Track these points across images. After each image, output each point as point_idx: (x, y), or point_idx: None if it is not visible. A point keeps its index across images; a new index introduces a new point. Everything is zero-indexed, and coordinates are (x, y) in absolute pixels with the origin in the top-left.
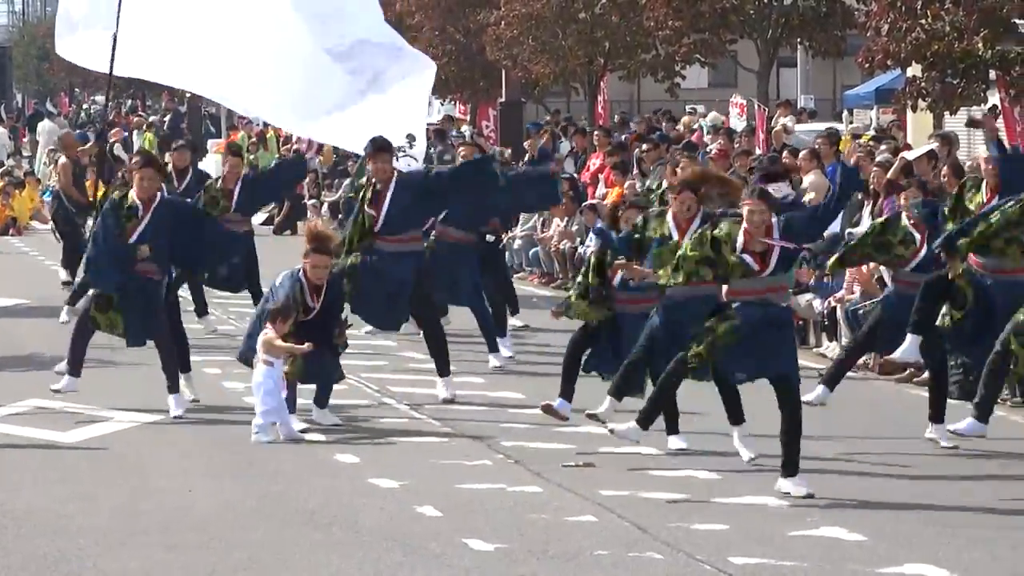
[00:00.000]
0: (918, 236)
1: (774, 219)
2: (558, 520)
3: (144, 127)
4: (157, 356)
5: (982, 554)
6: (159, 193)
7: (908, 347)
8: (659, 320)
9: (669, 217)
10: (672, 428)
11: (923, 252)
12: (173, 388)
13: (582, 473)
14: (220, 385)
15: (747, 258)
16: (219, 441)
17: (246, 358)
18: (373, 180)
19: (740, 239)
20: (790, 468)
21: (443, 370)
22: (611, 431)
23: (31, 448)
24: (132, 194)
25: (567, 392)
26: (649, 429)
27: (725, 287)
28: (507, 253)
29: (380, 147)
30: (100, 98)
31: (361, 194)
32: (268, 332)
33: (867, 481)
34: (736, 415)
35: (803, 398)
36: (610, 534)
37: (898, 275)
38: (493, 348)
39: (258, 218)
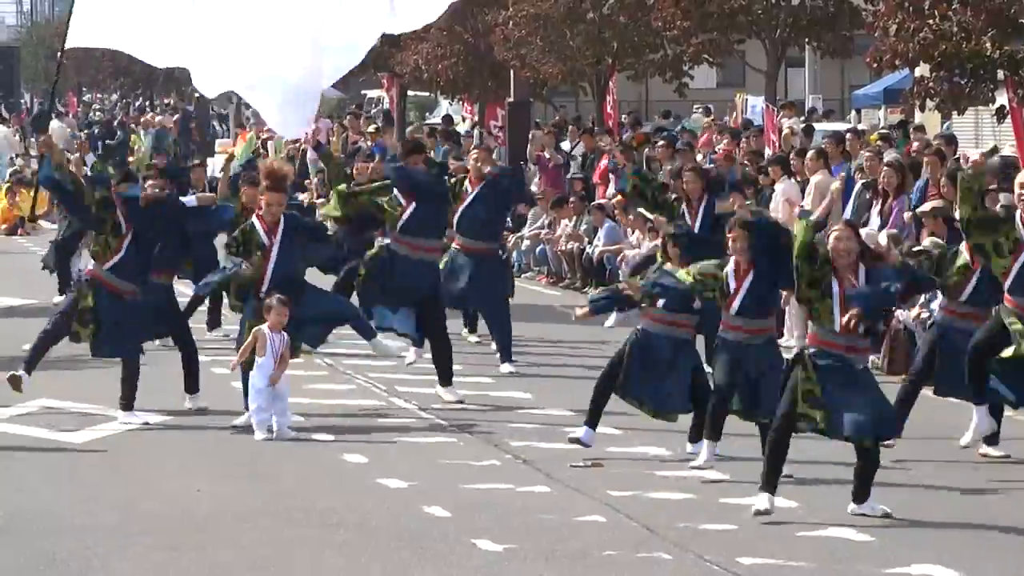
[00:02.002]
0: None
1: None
2: (566, 520)
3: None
4: (162, 358)
5: (989, 554)
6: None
7: (979, 421)
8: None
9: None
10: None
11: (974, 280)
12: (126, 406)
13: (590, 473)
14: (227, 386)
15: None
16: (226, 441)
17: None
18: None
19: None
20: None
21: (445, 381)
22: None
23: (37, 449)
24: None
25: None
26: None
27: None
28: (515, 253)
29: (412, 149)
30: (114, 97)
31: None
32: (263, 327)
33: (874, 482)
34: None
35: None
36: (618, 534)
37: (948, 304)
38: (507, 358)
39: None
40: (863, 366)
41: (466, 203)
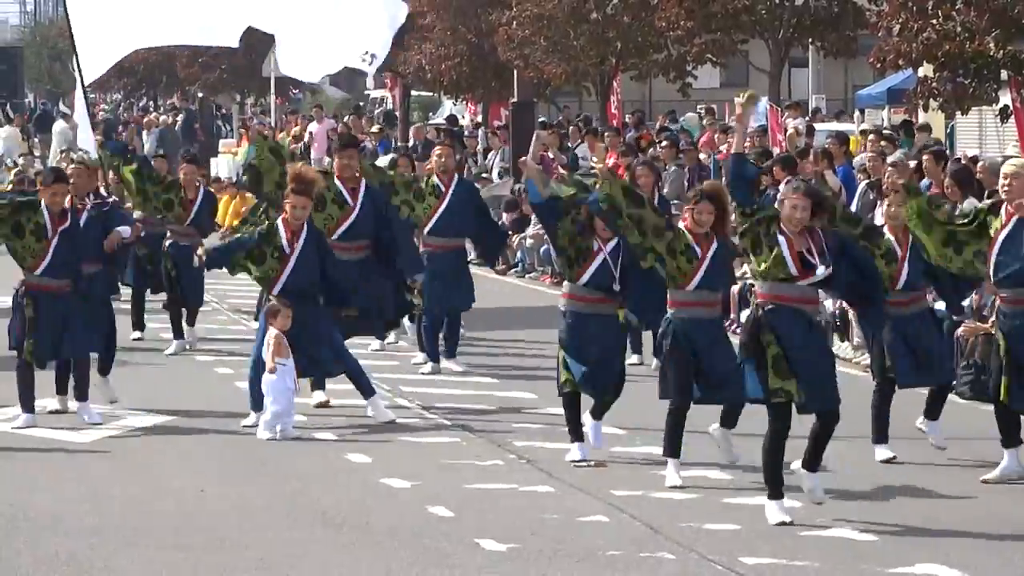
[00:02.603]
0: (899, 251)
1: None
2: (570, 520)
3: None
4: (168, 358)
5: (993, 554)
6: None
7: (1008, 463)
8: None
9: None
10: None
11: (905, 269)
12: (82, 397)
13: (594, 473)
14: (232, 385)
15: (788, 258)
16: (231, 441)
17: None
18: (338, 177)
19: (782, 239)
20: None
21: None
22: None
23: (41, 449)
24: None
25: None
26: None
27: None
28: (518, 252)
29: (347, 143)
30: (117, 97)
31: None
32: (272, 331)
33: (878, 481)
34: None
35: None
36: (622, 534)
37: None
38: (452, 354)
39: None
40: (817, 319)
41: (445, 204)
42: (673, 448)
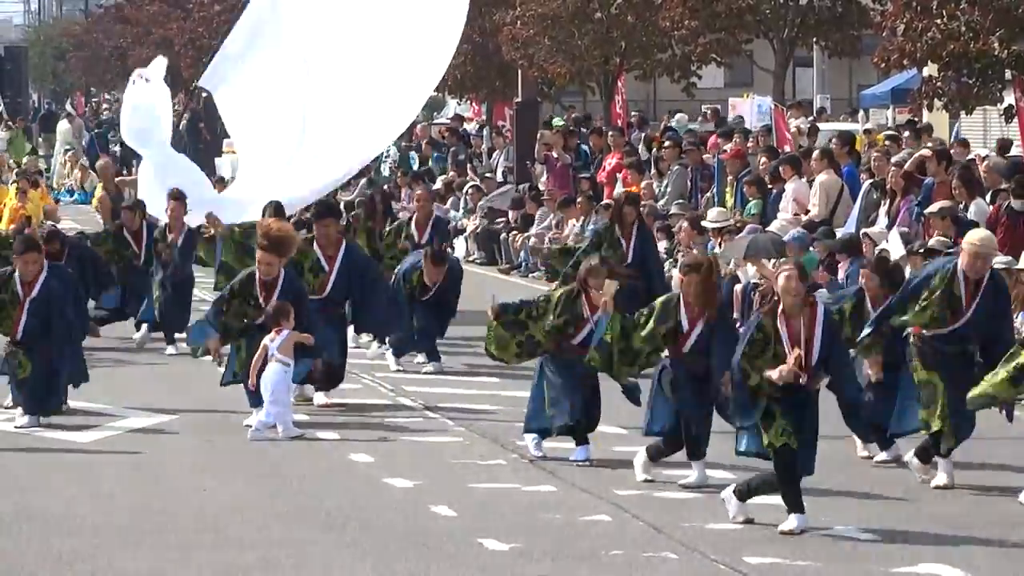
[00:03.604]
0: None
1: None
2: (573, 520)
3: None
4: (169, 357)
5: (996, 554)
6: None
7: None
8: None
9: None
10: None
11: None
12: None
13: (597, 473)
14: (235, 386)
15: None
16: (232, 441)
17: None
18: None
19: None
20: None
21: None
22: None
23: (44, 448)
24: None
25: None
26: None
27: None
28: (521, 252)
29: (322, 212)
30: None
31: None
32: (285, 331)
33: (881, 481)
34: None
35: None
36: (625, 534)
37: None
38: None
39: None
40: (816, 389)
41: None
42: (696, 453)
